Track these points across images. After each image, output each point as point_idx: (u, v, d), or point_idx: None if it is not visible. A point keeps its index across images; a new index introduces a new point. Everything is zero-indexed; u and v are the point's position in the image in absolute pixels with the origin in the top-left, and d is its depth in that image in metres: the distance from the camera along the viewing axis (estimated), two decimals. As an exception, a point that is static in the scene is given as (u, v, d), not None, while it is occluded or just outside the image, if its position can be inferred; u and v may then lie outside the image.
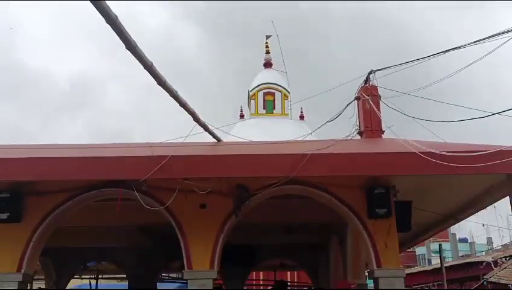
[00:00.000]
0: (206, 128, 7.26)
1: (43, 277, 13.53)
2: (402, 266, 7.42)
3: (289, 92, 23.05)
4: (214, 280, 7.43)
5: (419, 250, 29.28)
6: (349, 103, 8.07)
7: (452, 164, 5.91)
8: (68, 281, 13.74)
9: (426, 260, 27.02)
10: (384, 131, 8.09)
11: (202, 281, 7.21)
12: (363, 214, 7.27)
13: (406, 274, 7.49)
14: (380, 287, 7.01)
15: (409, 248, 12.20)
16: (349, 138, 7.84)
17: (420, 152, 6.02)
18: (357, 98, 8.09)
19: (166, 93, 5.56)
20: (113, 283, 16.63)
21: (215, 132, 7.92)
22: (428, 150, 5.98)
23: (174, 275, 16.15)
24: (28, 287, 10.68)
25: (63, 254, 12.46)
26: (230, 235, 7.60)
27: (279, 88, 22.86)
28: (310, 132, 9.94)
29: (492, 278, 14.54)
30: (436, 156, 5.97)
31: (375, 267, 7.07)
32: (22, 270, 7.10)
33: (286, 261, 13.61)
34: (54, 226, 7.66)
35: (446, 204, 8.49)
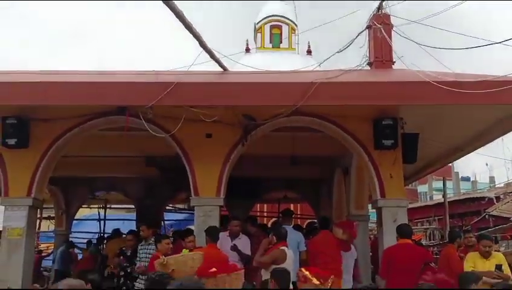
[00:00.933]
0: (212, 56, 7.12)
1: (52, 206, 13.89)
2: (405, 197, 7.51)
3: (297, 26, 22.44)
4: (220, 207, 7.58)
5: (421, 188, 29.67)
6: (360, 32, 7.85)
7: (464, 90, 5.82)
8: (77, 210, 14.10)
9: (428, 197, 27.43)
10: (394, 62, 7.92)
11: (208, 207, 7.35)
12: (370, 146, 7.27)
13: (407, 209, 7.58)
14: (383, 218, 7.13)
15: (413, 182, 12.32)
16: (359, 68, 7.69)
17: (431, 80, 5.91)
18: (369, 27, 7.85)
19: (173, 15, 5.38)
20: (122, 214, 17.04)
21: (221, 60, 7.78)
22: (439, 78, 5.87)
23: (181, 206, 16.50)
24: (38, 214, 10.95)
25: (71, 183, 12.71)
26: (236, 167, 7.68)
27: (287, 21, 22.24)
28: (318, 63, 9.74)
29: (494, 212, 14.79)
30: (447, 84, 5.87)
31: (379, 197, 7.17)
32: (32, 195, 7.27)
33: (290, 193, 13.81)
34: (61, 153, 7.73)
35: (454, 137, 8.46)
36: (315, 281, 4.75)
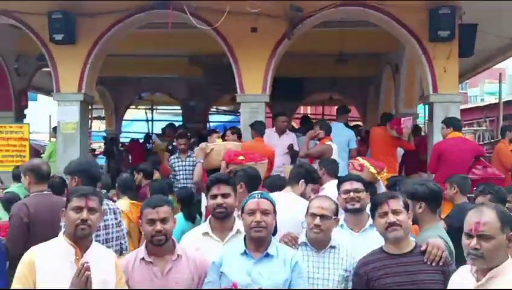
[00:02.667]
0: None
1: (102, 106, 14.33)
2: (459, 92, 7.21)
3: None
4: (266, 103, 7.55)
5: (472, 91, 28.53)
6: None
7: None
8: (125, 111, 14.52)
9: (479, 100, 26.44)
10: None
11: (254, 104, 7.33)
12: (424, 38, 6.88)
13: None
14: (435, 113, 6.92)
15: (466, 81, 11.77)
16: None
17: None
18: None
19: None
20: (169, 116, 17.41)
21: None
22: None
23: (226, 108, 16.65)
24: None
25: (119, 84, 12.97)
26: (280, 66, 7.51)
27: None
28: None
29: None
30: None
31: (431, 92, 6.91)
32: (82, 91, 7.45)
33: (335, 94, 13.58)
34: (108, 49, 7.77)
35: (513, 30, 7.88)
36: (372, 169, 4.73)
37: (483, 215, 2.22)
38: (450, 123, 6.10)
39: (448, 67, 6.84)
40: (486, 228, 2.19)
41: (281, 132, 7.14)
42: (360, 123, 13.20)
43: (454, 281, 2.43)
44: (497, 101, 12.55)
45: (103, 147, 13.56)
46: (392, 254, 2.81)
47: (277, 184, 4.42)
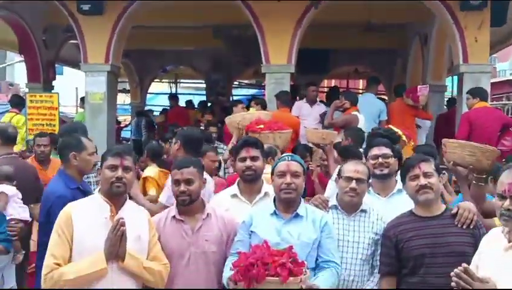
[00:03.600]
0: None
1: (126, 80, 14.45)
2: (489, 63, 7.04)
3: None
4: (291, 74, 7.51)
5: (501, 66, 27.75)
6: None
7: None
8: (150, 84, 14.61)
9: (508, 74, 25.71)
10: None
11: (279, 74, 7.31)
12: (455, 6, 6.73)
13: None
14: (464, 84, 6.78)
15: (495, 53, 11.43)
16: None
17: None
18: None
19: None
20: (192, 90, 17.47)
21: None
22: None
23: (249, 81, 16.59)
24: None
25: (143, 57, 13.03)
26: (306, 37, 7.41)
27: None
28: None
29: None
30: None
31: (461, 62, 6.77)
32: (109, 62, 7.53)
33: (361, 67, 13.37)
34: (133, 21, 7.80)
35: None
36: (404, 138, 4.73)
37: None
38: (477, 93, 5.99)
39: (479, 37, 6.68)
40: None
41: (311, 102, 7.12)
42: (384, 97, 13.01)
43: (486, 241, 2.43)
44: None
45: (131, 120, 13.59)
46: (421, 216, 2.81)
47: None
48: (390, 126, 5.11)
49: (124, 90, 14.97)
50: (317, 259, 2.77)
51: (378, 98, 7.72)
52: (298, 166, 2.84)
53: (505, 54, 23.92)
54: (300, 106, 7.08)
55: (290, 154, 3.05)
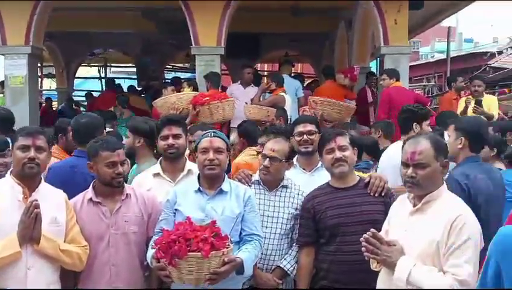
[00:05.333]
0: None
1: (52, 64, 13.80)
2: (409, 44, 7.41)
3: None
4: (222, 58, 7.51)
5: (423, 50, 29.17)
6: None
7: None
8: (77, 68, 14.04)
9: (430, 57, 27.10)
10: None
11: (209, 56, 7.29)
12: (376, -9, 6.98)
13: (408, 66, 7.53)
14: (385, 65, 7.09)
15: (415, 36, 11.98)
16: None
17: None
18: None
19: None
20: (123, 75, 16.98)
21: None
22: None
23: (181, 65, 16.35)
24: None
25: (69, 40, 12.42)
26: (235, 22, 7.42)
27: None
28: None
29: (495, 64, 14.60)
30: None
31: (382, 44, 7.06)
32: (30, 43, 7.18)
33: (291, 51, 13.57)
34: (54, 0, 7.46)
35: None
36: None
37: (418, 145, 2.34)
38: (393, 73, 6.32)
39: (398, 19, 7.00)
40: (421, 157, 2.31)
41: (246, 84, 7.11)
42: (317, 79, 13.30)
43: (394, 207, 2.59)
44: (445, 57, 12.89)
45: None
46: (337, 187, 2.94)
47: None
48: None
49: (49, 75, 14.30)
50: (241, 233, 2.83)
51: (292, 77, 7.96)
52: (221, 142, 2.86)
53: (427, 38, 25.21)
54: (234, 88, 7.11)
55: (214, 130, 3.06)
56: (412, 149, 2.35)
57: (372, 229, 2.36)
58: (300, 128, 3.53)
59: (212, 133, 2.92)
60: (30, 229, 2.42)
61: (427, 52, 28.81)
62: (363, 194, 2.91)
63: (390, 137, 4.88)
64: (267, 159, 3.03)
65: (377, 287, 2.44)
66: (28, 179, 2.57)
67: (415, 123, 3.92)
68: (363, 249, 2.34)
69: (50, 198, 2.63)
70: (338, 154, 2.90)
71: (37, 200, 2.45)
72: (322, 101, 4.93)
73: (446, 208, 2.29)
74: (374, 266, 2.45)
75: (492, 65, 14.76)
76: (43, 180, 2.68)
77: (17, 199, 2.53)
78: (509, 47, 16.48)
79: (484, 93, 6.49)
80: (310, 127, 3.52)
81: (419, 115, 3.97)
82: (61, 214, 2.63)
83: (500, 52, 16.52)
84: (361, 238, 2.33)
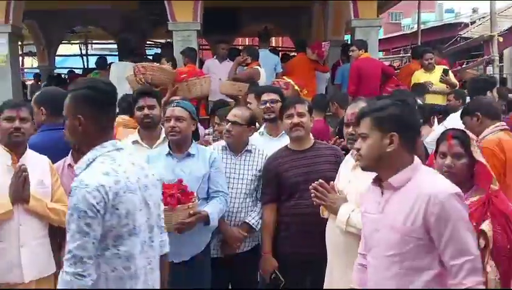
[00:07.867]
0: None
1: (32, 42, 13.81)
2: (378, 17, 7.68)
3: None
4: (199, 34, 7.71)
5: (406, 21, 29.46)
6: None
7: None
8: (57, 46, 14.06)
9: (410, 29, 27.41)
10: None
11: (186, 32, 7.48)
12: (347, -36, 7.20)
13: (386, 38, 7.84)
14: (356, 38, 7.37)
15: (393, 6, 12.24)
16: None
17: None
18: None
19: None
20: (105, 52, 16.99)
21: None
22: None
23: (162, 41, 16.40)
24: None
25: (49, 18, 12.44)
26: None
27: None
28: None
29: (466, 34, 15.03)
30: None
31: (352, 17, 7.33)
32: (10, 22, 7.28)
33: (270, 25, 13.74)
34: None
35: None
36: (296, 87, 5.14)
37: (357, 107, 2.69)
38: (362, 45, 6.62)
39: (368, -9, 7.25)
40: None
41: (221, 59, 7.37)
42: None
43: (343, 163, 2.96)
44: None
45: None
46: (295, 150, 3.28)
47: None
48: (284, 77, 5.56)
49: (30, 53, 14.31)
50: (208, 191, 3.16)
51: (271, 52, 8.19)
52: (182, 111, 3.15)
53: (409, 10, 25.40)
54: (210, 63, 7.36)
55: (178, 100, 3.40)
56: (352, 111, 2.75)
57: (320, 180, 2.72)
58: (264, 97, 3.87)
59: (175, 104, 3.24)
60: (20, 191, 2.72)
61: (409, 23, 29.07)
62: (318, 155, 3.25)
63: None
64: (229, 123, 3.36)
65: (326, 232, 2.81)
66: (15, 147, 2.85)
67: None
68: (312, 195, 2.70)
69: (36, 163, 2.91)
70: (296, 119, 3.22)
71: (24, 165, 2.75)
72: (149, 66, 5.39)
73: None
74: (323, 213, 2.82)
75: (462, 35, 15.14)
76: (28, 148, 2.96)
77: (6, 164, 2.82)
78: (482, 17, 16.84)
79: (435, 65, 6.78)
80: (273, 96, 3.84)
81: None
82: (47, 177, 2.92)
83: (473, 23, 16.91)
84: (310, 187, 2.69)
